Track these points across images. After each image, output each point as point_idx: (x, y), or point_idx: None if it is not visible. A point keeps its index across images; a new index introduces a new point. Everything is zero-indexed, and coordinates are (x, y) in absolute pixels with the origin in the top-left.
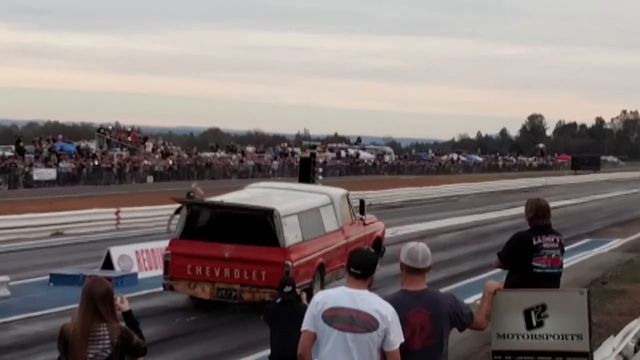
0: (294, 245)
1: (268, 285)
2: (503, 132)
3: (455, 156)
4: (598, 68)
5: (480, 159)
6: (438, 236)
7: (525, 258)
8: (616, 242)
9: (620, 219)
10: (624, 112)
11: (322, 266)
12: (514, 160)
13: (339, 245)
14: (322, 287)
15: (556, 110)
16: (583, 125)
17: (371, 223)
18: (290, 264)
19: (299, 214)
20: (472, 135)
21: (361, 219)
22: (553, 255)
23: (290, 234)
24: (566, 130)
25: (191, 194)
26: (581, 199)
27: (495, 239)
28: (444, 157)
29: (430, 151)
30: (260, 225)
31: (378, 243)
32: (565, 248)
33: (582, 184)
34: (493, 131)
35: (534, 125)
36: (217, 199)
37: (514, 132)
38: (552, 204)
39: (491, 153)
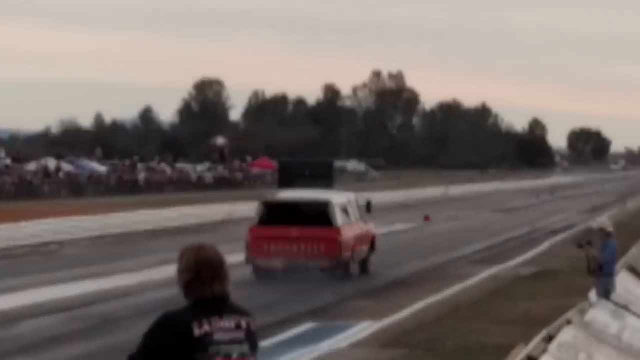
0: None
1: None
2: (147, 113)
3: (51, 163)
4: None
5: (104, 169)
6: (14, 326)
7: None
8: (364, 329)
9: (374, 284)
10: (377, 75)
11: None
12: (169, 169)
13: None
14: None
15: (245, 73)
16: (301, 102)
17: (369, 223)
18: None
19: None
20: (87, 122)
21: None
22: (234, 356)
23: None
24: (266, 109)
25: None
26: None
27: (130, 328)
28: (29, 166)
29: None
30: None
31: (373, 241)
32: (262, 341)
33: None
34: (128, 113)
35: (206, 101)
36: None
37: (166, 115)
38: (237, 258)
39: (123, 157)
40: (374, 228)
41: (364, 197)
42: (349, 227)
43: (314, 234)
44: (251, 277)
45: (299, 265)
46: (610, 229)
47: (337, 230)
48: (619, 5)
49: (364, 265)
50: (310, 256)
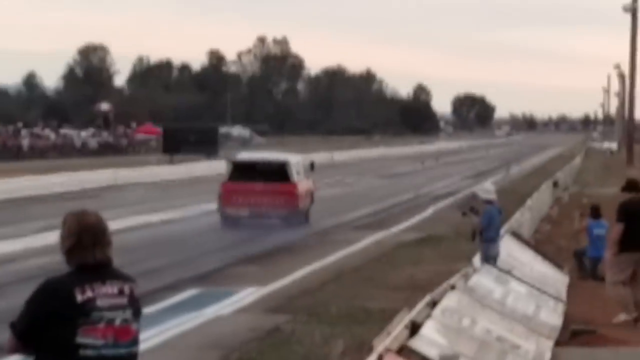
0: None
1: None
2: (30, 79)
3: None
4: None
5: None
6: None
7: (62, 329)
8: (248, 294)
9: (258, 249)
10: (262, 40)
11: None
12: (53, 134)
13: (308, 188)
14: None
15: (129, 39)
16: (185, 67)
17: (310, 179)
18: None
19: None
20: None
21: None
22: (117, 322)
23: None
24: (151, 75)
25: None
26: (181, 211)
27: (13, 295)
28: None
29: None
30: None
31: (313, 195)
32: (146, 307)
33: (185, 181)
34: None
35: (90, 66)
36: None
37: (50, 81)
38: (121, 223)
39: (6, 123)
40: (313, 184)
41: (306, 159)
42: (302, 183)
43: (275, 189)
44: (135, 242)
45: (262, 214)
46: (487, 195)
47: (294, 185)
48: None
49: (306, 214)
50: (272, 207)
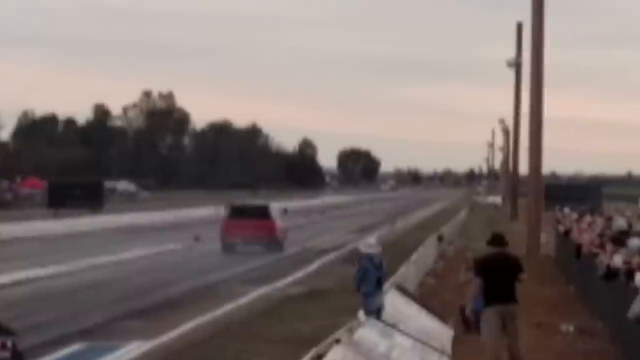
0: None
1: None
2: None
3: None
4: None
5: None
6: None
7: None
8: (133, 349)
9: (144, 303)
10: (148, 94)
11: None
12: None
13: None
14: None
15: (14, 93)
16: (71, 121)
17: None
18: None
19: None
20: None
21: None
22: None
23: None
24: (36, 129)
25: None
26: (66, 265)
27: None
28: None
29: None
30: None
31: (286, 231)
32: None
33: (70, 235)
34: None
35: None
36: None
37: None
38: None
39: None
40: (285, 224)
41: (281, 205)
42: (278, 221)
43: (260, 224)
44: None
45: (250, 241)
46: (367, 249)
47: (274, 222)
48: (384, 28)
49: (281, 244)
50: (258, 237)
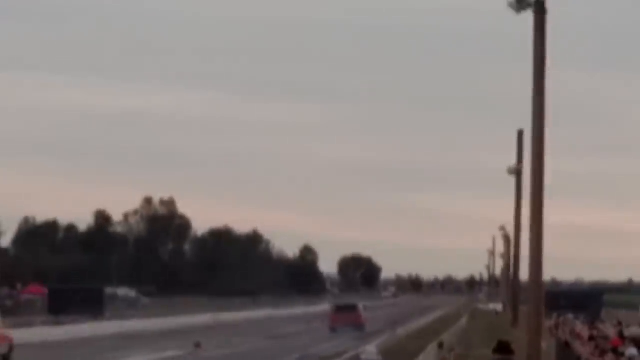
0: None
1: None
2: None
3: None
4: None
5: None
6: None
7: None
8: None
9: None
10: (149, 201)
11: None
12: None
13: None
14: None
15: (15, 199)
16: (71, 228)
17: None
18: None
19: None
20: None
21: None
22: None
23: None
24: (37, 235)
25: None
26: None
27: None
28: None
29: None
30: None
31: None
32: None
33: (71, 342)
34: None
35: None
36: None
37: None
38: None
39: None
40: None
41: (364, 303)
42: (363, 313)
43: (352, 315)
44: None
45: (346, 326)
46: (369, 357)
47: (360, 312)
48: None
49: (364, 326)
50: (352, 322)
